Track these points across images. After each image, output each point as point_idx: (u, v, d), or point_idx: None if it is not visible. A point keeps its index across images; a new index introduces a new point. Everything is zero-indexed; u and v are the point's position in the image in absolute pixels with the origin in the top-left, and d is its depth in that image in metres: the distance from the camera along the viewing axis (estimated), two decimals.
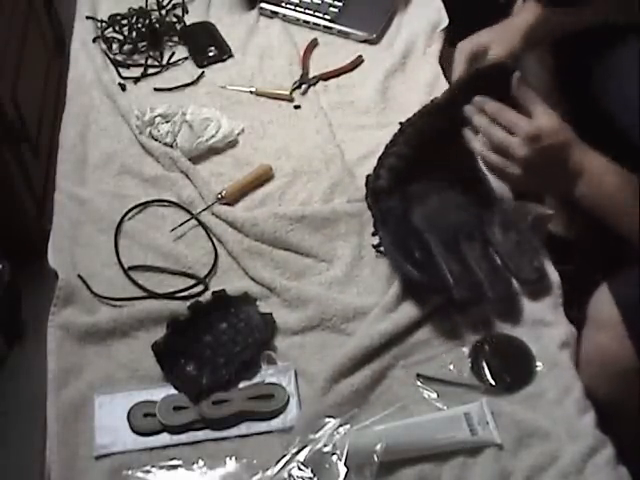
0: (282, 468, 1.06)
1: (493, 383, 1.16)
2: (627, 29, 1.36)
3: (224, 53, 1.68)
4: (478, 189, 1.34)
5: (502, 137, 1.17)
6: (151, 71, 1.64)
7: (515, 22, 1.38)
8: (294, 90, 1.60)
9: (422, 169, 1.29)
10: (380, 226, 1.29)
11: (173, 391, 1.16)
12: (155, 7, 1.75)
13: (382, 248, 1.29)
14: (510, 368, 1.18)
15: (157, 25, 1.71)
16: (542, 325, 1.23)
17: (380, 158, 1.34)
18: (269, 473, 1.06)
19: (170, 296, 1.26)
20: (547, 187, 1.26)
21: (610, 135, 1.38)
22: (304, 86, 1.61)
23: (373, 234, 1.32)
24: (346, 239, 1.34)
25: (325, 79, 1.63)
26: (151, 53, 1.67)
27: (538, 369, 1.18)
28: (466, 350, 1.20)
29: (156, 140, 1.49)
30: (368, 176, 1.36)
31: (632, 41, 1.36)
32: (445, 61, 1.67)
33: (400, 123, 1.35)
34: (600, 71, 1.40)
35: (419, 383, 1.17)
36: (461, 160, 1.30)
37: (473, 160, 1.28)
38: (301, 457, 1.07)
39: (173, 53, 1.68)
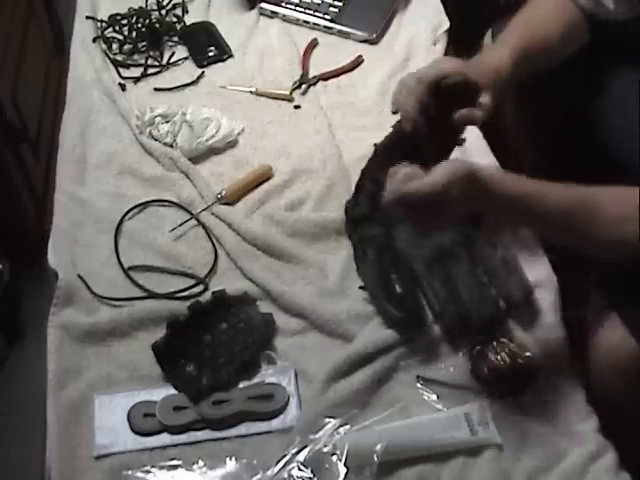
0: (282, 468, 1.06)
1: (493, 386, 1.16)
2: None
3: (224, 53, 1.68)
4: None
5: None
6: (151, 71, 1.64)
7: (487, 65, 1.27)
8: (294, 90, 1.60)
9: None
10: (359, 260, 1.28)
11: (173, 391, 1.16)
12: (155, 7, 1.75)
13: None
14: (511, 371, 1.18)
15: (157, 25, 1.71)
16: (543, 328, 1.22)
17: (357, 184, 1.32)
18: (269, 473, 1.06)
19: (170, 296, 1.26)
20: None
21: (594, 157, 1.37)
22: (304, 86, 1.61)
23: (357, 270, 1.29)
24: (337, 251, 1.33)
25: (325, 79, 1.64)
26: (151, 53, 1.67)
27: (539, 373, 1.18)
28: (467, 353, 1.20)
29: (156, 140, 1.49)
30: (347, 203, 1.34)
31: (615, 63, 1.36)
32: None
33: (375, 145, 1.34)
34: (580, 95, 1.38)
35: (419, 385, 1.17)
36: None
37: None
38: (301, 457, 1.07)
39: (173, 53, 1.68)
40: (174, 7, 1.77)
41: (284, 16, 1.76)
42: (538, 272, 1.28)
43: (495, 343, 1.19)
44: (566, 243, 1.12)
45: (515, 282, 1.24)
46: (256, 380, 1.17)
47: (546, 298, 1.25)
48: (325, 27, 1.73)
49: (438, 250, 1.28)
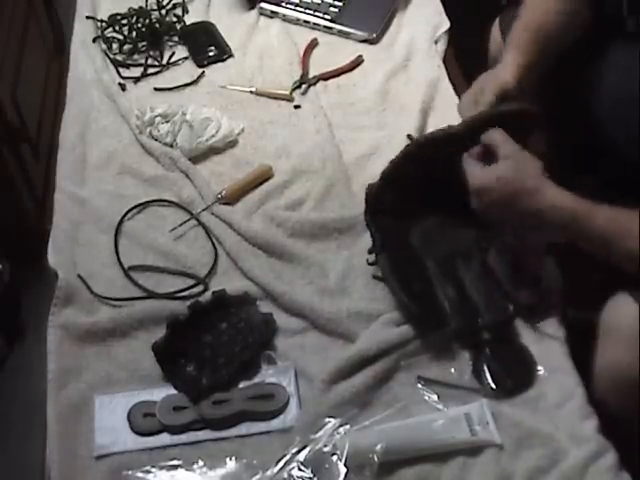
0: (282, 468, 1.06)
1: (494, 386, 1.16)
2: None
3: (224, 53, 1.68)
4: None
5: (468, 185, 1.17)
6: (151, 71, 1.64)
7: (502, 73, 1.31)
8: (294, 90, 1.60)
9: (425, 190, 1.26)
10: (379, 249, 1.28)
11: (173, 391, 1.16)
12: (155, 7, 1.75)
13: (380, 273, 1.27)
14: (511, 372, 1.18)
15: (157, 25, 1.71)
16: (544, 328, 1.22)
17: (384, 172, 1.29)
18: (269, 473, 1.06)
19: (170, 296, 1.26)
20: (518, 230, 1.22)
21: (598, 145, 1.36)
22: (304, 86, 1.61)
23: (369, 252, 1.30)
24: (338, 250, 1.33)
25: (325, 79, 1.63)
26: (151, 53, 1.67)
27: (539, 373, 1.18)
28: (467, 353, 1.20)
29: (156, 140, 1.49)
30: (370, 187, 1.31)
31: (616, 49, 1.36)
32: (448, 62, 1.67)
33: (409, 136, 1.32)
34: (585, 81, 1.39)
35: (420, 385, 1.16)
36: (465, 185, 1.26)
37: None
38: (301, 457, 1.07)
39: (173, 53, 1.68)
40: (174, 7, 1.77)
41: (284, 16, 1.76)
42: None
43: (497, 344, 1.19)
44: (602, 258, 1.12)
45: (525, 288, 1.24)
46: (256, 380, 1.17)
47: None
48: (325, 27, 1.73)
49: (451, 251, 1.28)
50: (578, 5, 1.32)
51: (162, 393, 1.15)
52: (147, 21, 1.70)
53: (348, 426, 1.10)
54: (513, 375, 1.18)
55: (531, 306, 1.24)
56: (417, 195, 1.27)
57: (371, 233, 1.31)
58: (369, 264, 1.29)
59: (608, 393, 1.14)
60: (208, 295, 1.25)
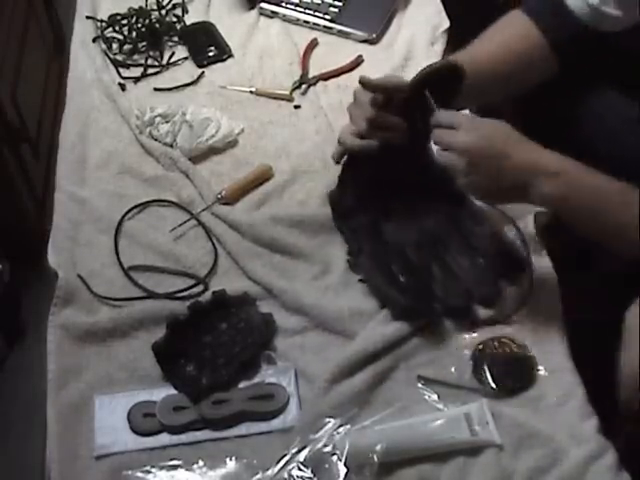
0: (282, 468, 1.06)
1: (494, 386, 1.16)
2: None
3: (224, 53, 1.68)
4: (444, 189, 1.27)
5: (444, 156, 1.14)
6: (151, 71, 1.64)
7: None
8: (294, 90, 1.60)
9: (386, 181, 1.28)
10: (356, 251, 1.28)
11: (173, 391, 1.16)
12: (155, 7, 1.75)
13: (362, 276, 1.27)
14: (511, 372, 1.18)
15: (157, 25, 1.71)
16: (544, 328, 1.22)
17: (339, 176, 1.33)
18: (269, 473, 1.06)
19: (170, 296, 1.26)
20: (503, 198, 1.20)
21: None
22: (304, 86, 1.61)
23: (349, 254, 1.29)
24: (342, 245, 1.33)
25: (325, 79, 1.63)
26: (151, 53, 1.67)
27: (540, 373, 1.18)
28: (468, 353, 1.20)
29: (156, 140, 1.49)
30: (330, 193, 1.35)
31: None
32: None
33: None
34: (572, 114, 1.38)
35: (420, 385, 1.16)
36: (422, 165, 1.28)
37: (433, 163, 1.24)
38: (301, 457, 1.07)
39: (173, 53, 1.68)
40: (174, 7, 1.77)
41: (284, 16, 1.76)
42: (539, 270, 1.27)
43: (497, 343, 1.19)
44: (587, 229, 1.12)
45: (508, 256, 1.25)
46: (256, 380, 1.17)
47: (547, 297, 1.25)
48: (325, 27, 1.73)
49: (426, 234, 1.28)
50: (538, 45, 1.30)
51: (162, 393, 1.15)
52: (147, 21, 1.70)
53: (348, 426, 1.10)
54: (513, 375, 1.18)
55: (517, 275, 1.24)
56: (380, 188, 1.28)
57: (345, 238, 1.31)
58: (350, 266, 1.29)
59: (635, 397, 1.13)
60: (208, 295, 1.25)
